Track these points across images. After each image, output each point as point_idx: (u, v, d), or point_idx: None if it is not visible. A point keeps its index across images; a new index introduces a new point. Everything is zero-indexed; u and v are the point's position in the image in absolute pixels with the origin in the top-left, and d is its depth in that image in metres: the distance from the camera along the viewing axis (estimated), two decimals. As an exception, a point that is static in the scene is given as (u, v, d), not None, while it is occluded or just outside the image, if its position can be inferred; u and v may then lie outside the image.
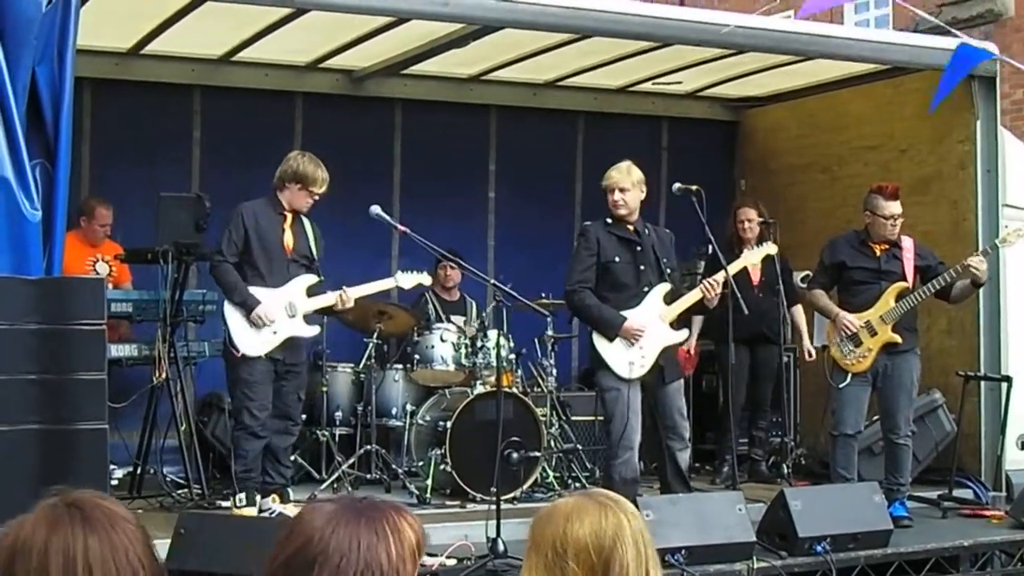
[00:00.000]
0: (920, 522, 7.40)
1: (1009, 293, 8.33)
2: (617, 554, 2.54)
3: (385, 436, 8.50)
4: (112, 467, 6.78)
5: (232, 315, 7.04)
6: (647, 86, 9.93)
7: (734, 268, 7.39)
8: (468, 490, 7.50)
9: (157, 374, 7.32)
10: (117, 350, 7.48)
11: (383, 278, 7.67)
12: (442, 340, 8.35)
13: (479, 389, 7.96)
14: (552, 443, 8.19)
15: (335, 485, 7.81)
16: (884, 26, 16.67)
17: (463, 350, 8.29)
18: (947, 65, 6.86)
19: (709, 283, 7.09)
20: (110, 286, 7.77)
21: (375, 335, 8.22)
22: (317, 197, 7.22)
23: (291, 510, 6.80)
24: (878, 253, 7.58)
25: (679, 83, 9.80)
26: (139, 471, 7.64)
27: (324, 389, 8.24)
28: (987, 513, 7.76)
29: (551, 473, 8.18)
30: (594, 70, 9.37)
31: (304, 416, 7.98)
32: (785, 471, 8.54)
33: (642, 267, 7.12)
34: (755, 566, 6.27)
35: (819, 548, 6.44)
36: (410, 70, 9.15)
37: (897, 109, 9.08)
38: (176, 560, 5.52)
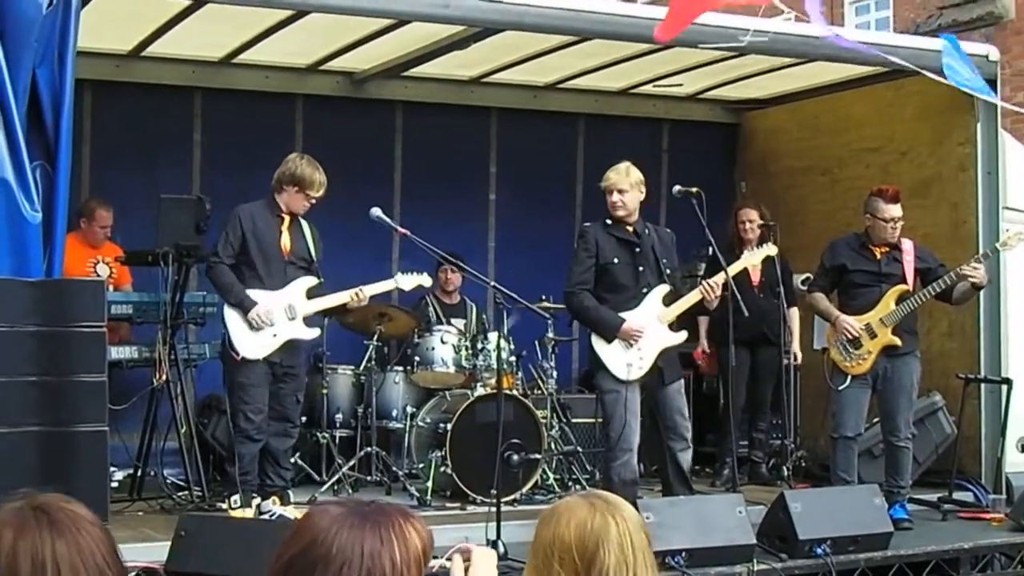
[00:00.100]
0: (920, 524, 7.40)
1: (1009, 296, 8.32)
2: (599, 557, 2.53)
3: (385, 438, 8.49)
4: (112, 469, 6.77)
5: (232, 318, 7.04)
6: (648, 88, 9.94)
7: (734, 269, 7.39)
8: (468, 492, 7.50)
9: (157, 376, 7.32)
10: (117, 352, 7.48)
11: (384, 280, 7.69)
12: (442, 342, 8.35)
13: (479, 391, 7.96)
14: (552, 445, 8.19)
15: (335, 487, 7.81)
16: (884, 28, 16.68)
17: (463, 352, 8.29)
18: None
19: (709, 285, 7.09)
20: (110, 288, 7.77)
21: (375, 337, 8.22)
22: (315, 200, 7.23)
23: (291, 512, 6.79)
24: (878, 256, 7.59)
25: (680, 85, 9.80)
26: (139, 473, 7.64)
27: (324, 391, 8.24)
28: (987, 516, 7.76)
29: (551, 475, 8.18)
30: (595, 72, 9.37)
31: (304, 418, 7.98)
32: (785, 473, 8.54)
33: (641, 268, 7.12)
34: (755, 568, 6.26)
35: (819, 550, 6.44)
36: (411, 72, 9.15)
37: (897, 111, 9.08)
38: (176, 562, 5.53)
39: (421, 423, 8.16)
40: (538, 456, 7.78)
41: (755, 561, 6.30)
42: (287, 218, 7.23)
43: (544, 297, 8.20)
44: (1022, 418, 8.23)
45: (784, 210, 9.32)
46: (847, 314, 7.54)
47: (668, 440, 7.11)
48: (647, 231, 7.22)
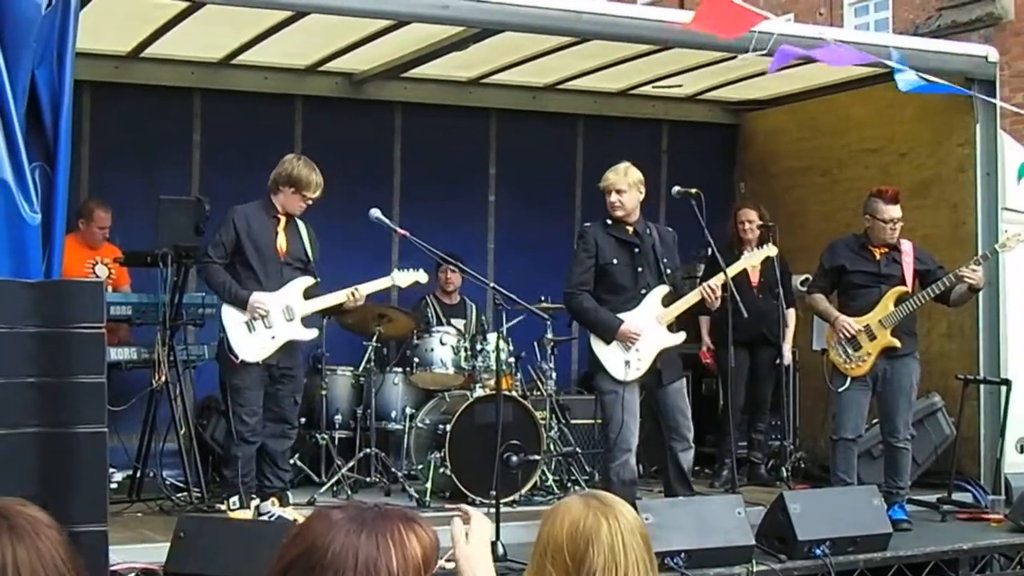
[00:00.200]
0: (919, 525, 7.41)
1: (1008, 297, 8.33)
2: (588, 557, 2.51)
3: (384, 439, 8.50)
4: (111, 470, 6.77)
5: (230, 322, 7.03)
6: (647, 89, 9.94)
7: (734, 270, 7.40)
8: (467, 493, 7.49)
9: (156, 377, 7.32)
10: (116, 353, 7.47)
11: (381, 278, 7.67)
12: (441, 343, 8.36)
13: (478, 392, 7.96)
14: (551, 446, 8.19)
15: (334, 488, 7.82)
16: (884, 29, 16.69)
17: (463, 353, 8.30)
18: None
19: (709, 287, 7.09)
20: (109, 289, 7.77)
21: (375, 338, 8.22)
22: (311, 201, 7.23)
23: (290, 513, 6.80)
24: (878, 257, 7.59)
25: (679, 86, 9.80)
26: (138, 474, 7.65)
27: (323, 392, 8.24)
28: (986, 516, 7.76)
29: (550, 476, 8.18)
30: (594, 73, 9.37)
31: (303, 419, 7.99)
32: (784, 474, 8.53)
33: (640, 269, 7.12)
34: (754, 569, 6.27)
35: (818, 551, 6.44)
36: (410, 73, 9.15)
37: (897, 112, 9.08)
38: (175, 563, 5.53)
39: (420, 424, 8.16)
40: (537, 457, 7.78)
41: (754, 562, 6.30)
42: (283, 219, 7.23)
43: (543, 298, 8.20)
44: (1021, 419, 8.23)
45: (783, 211, 9.32)
46: (846, 315, 7.55)
47: (669, 440, 7.12)
48: (648, 231, 7.22)
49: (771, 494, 7.22)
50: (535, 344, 8.61)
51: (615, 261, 7.11)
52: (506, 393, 7.47)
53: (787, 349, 8.74)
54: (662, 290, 7.14)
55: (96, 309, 5.23)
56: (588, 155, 10.30)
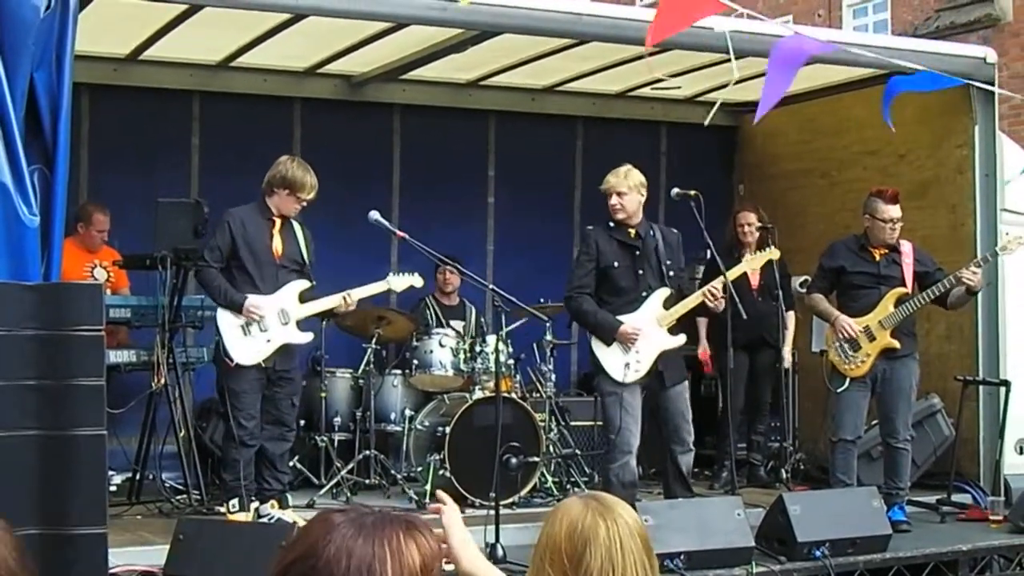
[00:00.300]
0: (919, 527, 7.41)
1: (1008, 298, 8.33)
2: (585, 559, 2.50)
3: (384, 441, 8.50)
4: (111, 473, 6.77)
5: (225, 325, 7.02)
6: (646, 91, 9.93)
7: (736, 273, 7.40)
8: (467, 495, 7.48)
9: (156, 380, 7.32)
10: (116, 356, 7.47)
11: (376, 281, 7.65)
12: (441, 345, 8.36)
13: (478, 394, 7.97)
14: (551, 448, 8.19)
15: (334, 491, 7.82)
16: (883, 31, 16.69)
17: (462, 355, 8.30)
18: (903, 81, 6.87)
19: (711, 291, 7.09)
20: (108, 292, 7.76)
21: (374, 340, 8.22)
22: (306, 203, 7.20)
23: (289, 516, 6.81)
24: (877, 258, 7.59)
25: (678, 88, 9.80)
26: (138, 477, 7.64)
27: (323, 395, 8.24)
28: (986, 517, 7.76)
29: (550, 478, 8.18)
30: (593, 75, 9.37)
31: (303, 421, 7.99)
32: (784, 476, 8.54)
33: (641, 272, 7.12)
34: (754, 571, 6.27)
35: (818, 553, 6.44)
36: (409, 75, 9.15)
37: (896, 114, 9.02)
38: (175, 566, 5.53)
39: (419, 426, 8.16)
40: (536, 459, 7.78)
41: (754, 563, 6.30)
42: (278, 221, 7.21)
43: (543, 299, 8.20)
44: (1020, 420, 8.23)
45: (783, 212, 9.31)
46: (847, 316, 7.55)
47: (669, 443, 7.12)
48: (651, 233, 7.22)
49: (770, 495, 7.22)
50: (534, 346, 8.61)
51: (616, 264, 7.11)
52: (505, 395, 7.47)
53: (787, 352, 8.75)
54: (663, 292, 7.14)
55: (95, 312, 5.23)
56: (587, 157, 10.30)
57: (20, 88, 5.37)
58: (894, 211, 7.49)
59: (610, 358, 7.01)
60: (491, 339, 8.10)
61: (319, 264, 7.47)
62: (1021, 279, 8.38)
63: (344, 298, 7.26)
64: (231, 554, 5.46)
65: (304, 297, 7.21)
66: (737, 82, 9.52)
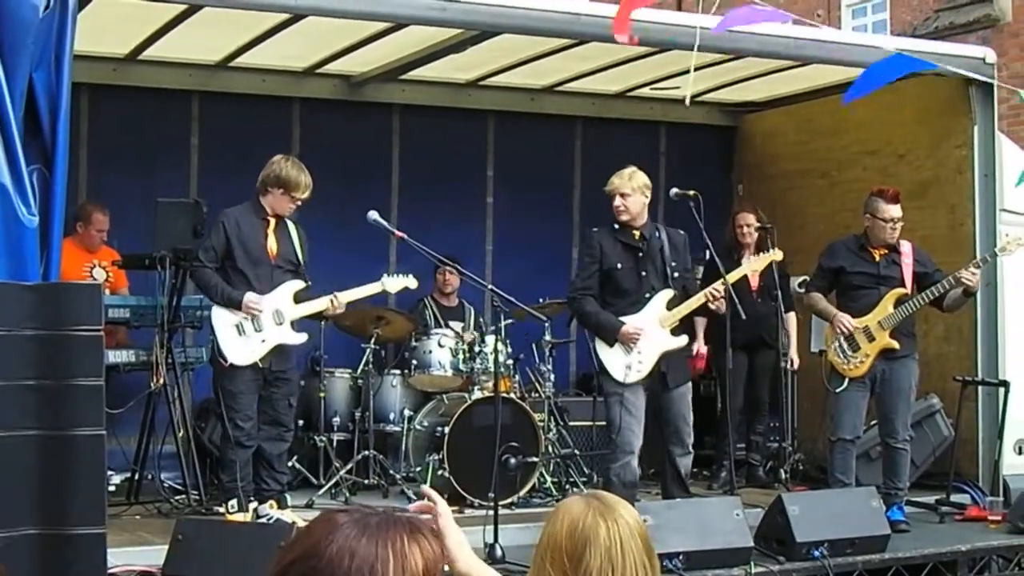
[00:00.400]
0: (918, 527, 7.41)
1: (1007, 299, 8.33)
2: (585, 558, 2.50)
3: (383, 441, 8.50)
4: (110, 473, 6.76)
5: (220, 325, 7.02)
6: (645, 91, 9.93)
7: (737, 275, 7.41)
8: (466, 495, 7.49)
9: (155, 380, 7.32)
10: (115, 356, 7.47)
11: (371, 283, 7.63)
12: (440, 345, 8.36)
13: (477, 394, 7.97)
14: (550, 448, 8.19)
15: (333, 491, 7.82)
16: (882, 31, 16.68)
17: (461, 355, 8.30)
18: (873, 66, 6.76)
19: (712, 292, 7.08)
20: (107, 292, 7.76)
21: (373, 340, 8.22)
22: (300, 202, 7.19)
23: (288, 516, 6.80)
24: (877, 258, 7.59)
25: (677, 88, 9.79)
26: (137, 477, 7.64)
27: (322, 395, 8.24)
28: (985, 517, 7.76)
29: (549, 478, 8.18)
30: (592, 75, 9.36)
31: (302, 422, 7.99)
32: (783, 476, 8.54)
33: (644, 273, 7.12)
34: (753, 571, 6.27)
35: (816, 553, 6.44)
36: (408, 75, 9.15)
37: (896, 114, 9.08)
38: (173, 566, 5.53)
39: (418, 426, 8.16)
40: (535, 459, 7.78)
41: (752, 564, 6.31)
42: (273, 220, 7.20)
43: (542, 299, 8.20)
44: (1019, 420, 8.24)
45: (782, 213, 9.31)
46: (845, 316, 7.56)
47: (669, 445, 7.13)
48: (656, 234, 7.22)
49: (769, 496, 7.22)
50: (533, 346, 8.61)
51: (619, 266, 7.11)
52: (504, 395, 7.48)
53: (793, 352, 8.75)
54: (667, 294, 7.14)
55: (94, 312, 5.23)
56: (586, 157, 10.30)
57: (19, 88, 5.37)
58: (895, 211, 7.49)
59: (612, 359, 7.01)
60: (490, 339, 8.10)
61: (318, 264, 7.47)
62: (1020, 280, 8.38)
63: (331, 301, 7.22)
64: (230, 554, 5.46)
65: (299, 298, 7.20)
66: (736, 82, 9.61)
